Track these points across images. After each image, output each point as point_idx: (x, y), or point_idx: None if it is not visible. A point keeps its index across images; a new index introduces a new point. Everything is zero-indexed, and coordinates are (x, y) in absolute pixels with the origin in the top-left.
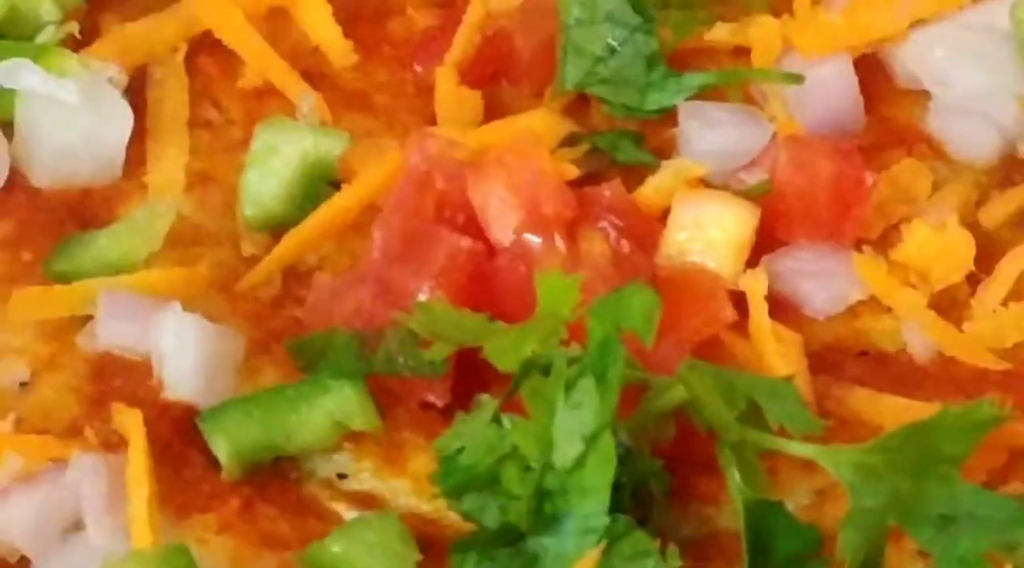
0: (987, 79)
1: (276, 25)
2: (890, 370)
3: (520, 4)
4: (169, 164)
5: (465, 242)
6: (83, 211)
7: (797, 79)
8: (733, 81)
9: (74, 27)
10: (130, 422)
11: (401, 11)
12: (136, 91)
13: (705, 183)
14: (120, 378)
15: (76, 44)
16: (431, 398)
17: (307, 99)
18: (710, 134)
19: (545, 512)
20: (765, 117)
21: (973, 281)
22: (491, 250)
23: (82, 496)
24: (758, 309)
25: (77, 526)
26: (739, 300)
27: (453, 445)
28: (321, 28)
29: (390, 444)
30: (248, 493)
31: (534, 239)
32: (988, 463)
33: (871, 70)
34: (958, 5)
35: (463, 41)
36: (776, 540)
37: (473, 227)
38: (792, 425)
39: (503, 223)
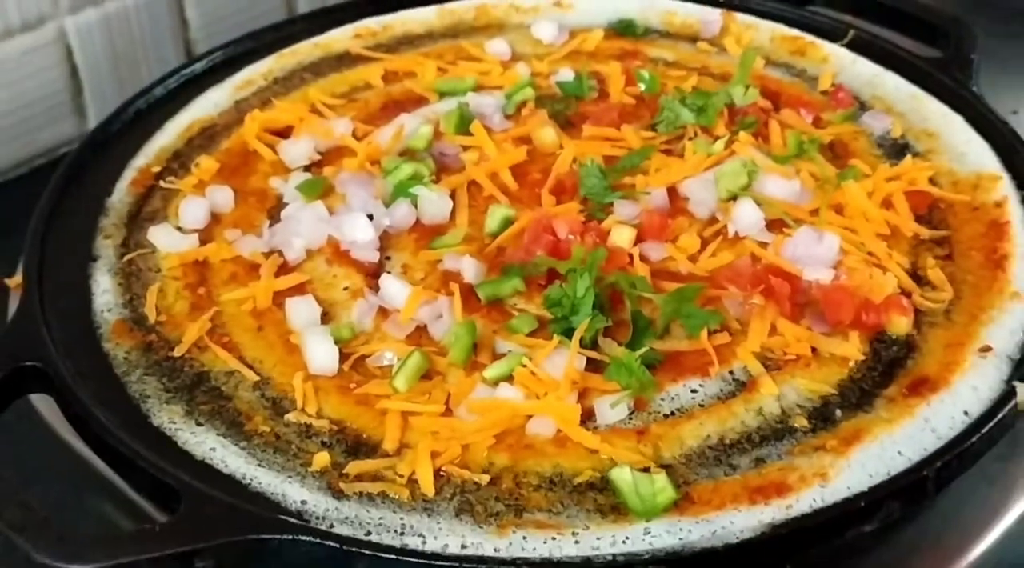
0: (708, 193)
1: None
2: (677, 277)
3: (568, 169)
4: (462, 217)
5: (551, 238)
6: (436, 231)
7: (646, 194)
8: (630, 195)
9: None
10: (455, 289)
11: (531, 172)
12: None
13: (621, 223)
14: (451, 278)
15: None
16: (541, 282)
17: (503, 199)
18: (624, 210)
19: (573, 312)
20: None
21: (701, 250)
22: (559, 240)
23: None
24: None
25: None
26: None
27: (549, 294)
28: (507, 178)
29: (528, 293)
30: (488, 307)
31: (572, 237)
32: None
33: (672, 193)
34: (706, 166)
35: (551, 181)
36: (639, 319)
37: (554, 234)
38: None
39: (562, 232)
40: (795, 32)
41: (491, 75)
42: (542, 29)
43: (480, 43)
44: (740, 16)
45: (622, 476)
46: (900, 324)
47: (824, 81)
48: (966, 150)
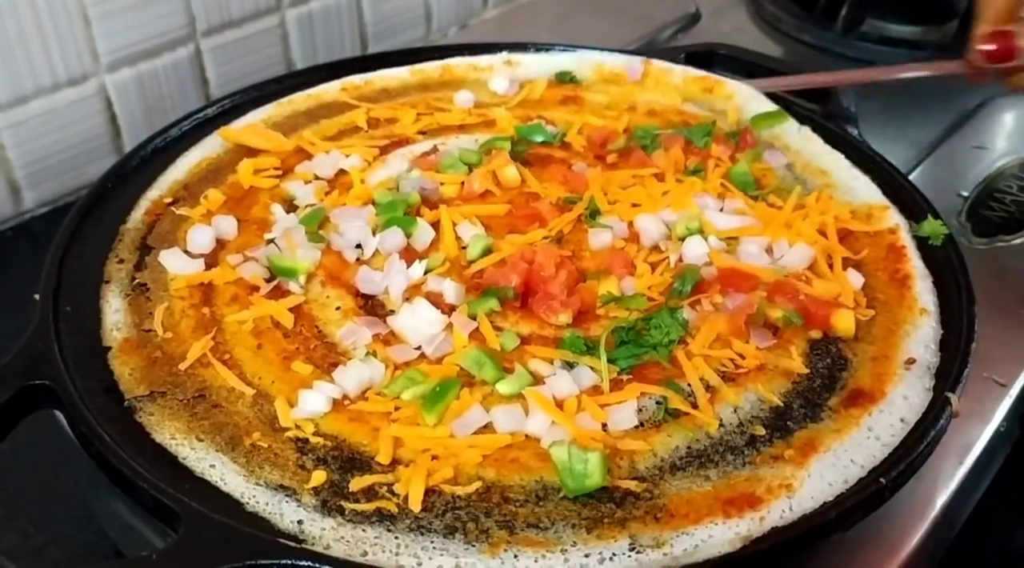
0: (658, 227)
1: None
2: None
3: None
4: (444, 243)
5: (527, 267)
6: (419, 255)
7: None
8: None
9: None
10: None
11: (498, 201)
12: None
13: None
14: (434, 297)
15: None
16: (516, 304)
17: (477, 224)
18: (597, 239)
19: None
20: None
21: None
22: (533, 271)
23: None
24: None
25: None
26: None
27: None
28: (480, 212)
29: (503, 312)
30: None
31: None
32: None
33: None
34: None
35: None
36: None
37: (531, 263)
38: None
39: (548, 267)
40: (703, 73)
41: (472, 119)
42: (497, 83)
43: (446, 95)
44: (656, 62)
45: (559, 454)
46: (846, 320)
47: (731, 116)
48: (854, 185)
